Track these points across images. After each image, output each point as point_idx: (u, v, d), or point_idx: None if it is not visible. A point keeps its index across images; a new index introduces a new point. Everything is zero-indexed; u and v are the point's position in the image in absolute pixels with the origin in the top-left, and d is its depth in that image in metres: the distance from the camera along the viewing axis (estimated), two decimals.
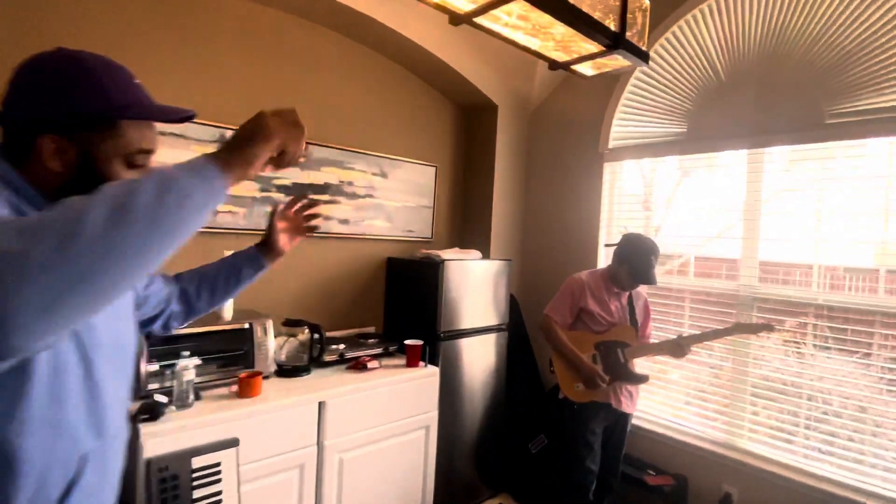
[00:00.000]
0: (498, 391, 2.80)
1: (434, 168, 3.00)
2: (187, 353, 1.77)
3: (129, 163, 0.73)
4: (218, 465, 1.65)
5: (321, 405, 1.94)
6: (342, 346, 2.37)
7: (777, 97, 2.15)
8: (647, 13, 1.28)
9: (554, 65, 1.32)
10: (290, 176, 2.42)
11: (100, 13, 1.88)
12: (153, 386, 1.75)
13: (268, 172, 0.77)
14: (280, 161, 0.76)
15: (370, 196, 2.72)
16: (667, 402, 2.55)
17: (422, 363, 2.34)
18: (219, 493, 1.64)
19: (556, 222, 3.03)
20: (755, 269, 2.24)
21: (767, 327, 2.00)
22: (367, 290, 2.77)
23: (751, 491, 2.16)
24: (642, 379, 2.14)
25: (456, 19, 1.06)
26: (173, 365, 1.74)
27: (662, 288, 2.57)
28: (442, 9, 1.03)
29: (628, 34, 1.23)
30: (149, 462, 1.52)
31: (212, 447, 1.64)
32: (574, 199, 2.92)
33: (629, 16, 1.22)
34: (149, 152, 0.76)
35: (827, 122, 2.00)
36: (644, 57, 1.27)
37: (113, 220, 0.52)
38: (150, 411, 1.61)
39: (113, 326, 0.78)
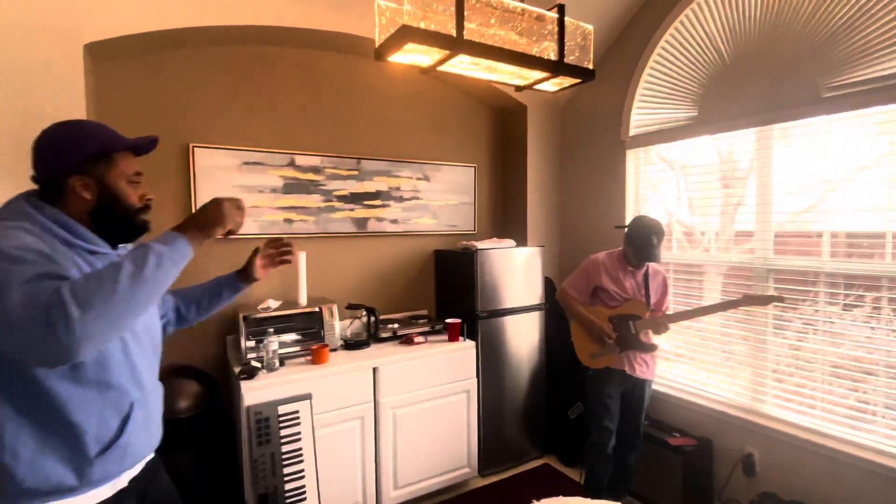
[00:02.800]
0: (540, 363, 3.11)
1: (473, 168, 3.37)
2: (272, 330, 2.32)
3: (129, 182, 1.08)
4: (297, 412, 2.18)
5: (375, 370, 2.42)
6: (396, 326, 2.84)
7: (777, 76, 2.23)
8: (591, 36, 1.56)
9: (518, 88, 1.64)
10: (347, 188, 2.93)
11: (205, 79, 2.50)
12: (251, 355, 2.33)
13: (220, 236, 1.09)
14: (228, 233, 1.10)
15: (416, 198, 3.16)
16: (695, 370, 2.71)
17: (461, 338, 2.74)
18: (298, 433, 2.17)
19: (587, 209, 3.25)
20: (769, 241, 2.34)
21: (776, 299, 2.13)
22: (419, 279, 3.22)
23: (771, 451, 2.28)
24: (650, 348, 2.35)
25: (424, 71, 1.44)
26: (263, 340, 2.30)
27: (691, 265, 2.72)
28: (412, 66, 1.42)
29: (570, 58, 1.52)
30: (248, 408, 2.09)
31: (292, 399, 2.18)
32: (601, 186, 3.13)
33: (570, 43, 1.51)
34: (139, 174, 1.11)
35: (823, 97, 2.06)
36: (588, 74, 1.55)
37: (133, 284, 0.87)
38: (248, 373, 2.19)
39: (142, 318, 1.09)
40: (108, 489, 1.06)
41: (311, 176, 2.83)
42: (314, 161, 2.83)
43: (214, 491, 2.37)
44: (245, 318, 2.37)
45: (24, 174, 1.94)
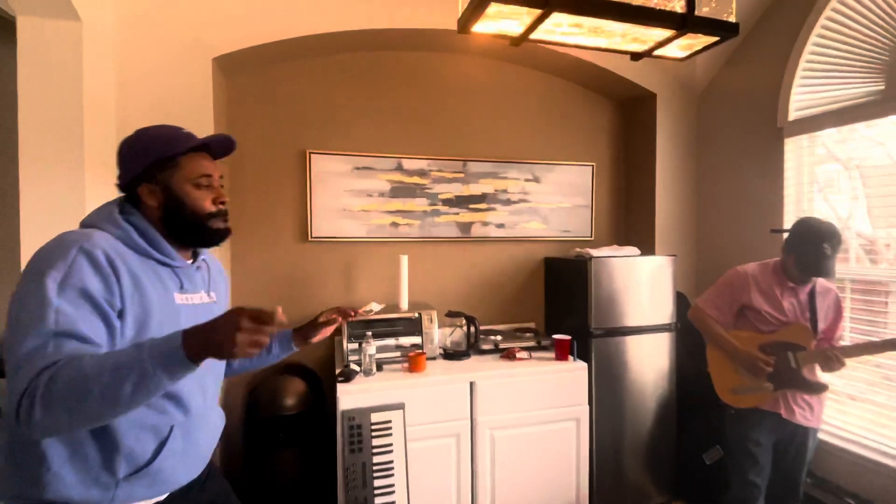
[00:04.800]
0: (668, 394, 2.66)
1: (591, 167, 3.04)
2: (370, 334, 2.28)
3: (196, 185, 1.04)
4: (389, 422, 2.09)
5: (472, 385, 2.24)
6: (499, 338, 2.63)
7: None
8: None
9: (634, 56, 1.36)
10: (452, 191, 2.82)
11: (321, 87, 2.60)
12: (352, 358, 2.31)
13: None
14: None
15: (524, 201, 2.93)
16: (880, 418, 2.06)
17: (571, 358, 2.43)
18: (390, 444, 2.07)
19: (733, 212, 2.72)
20: None
21: None
22: (526, 288, 2.98)
23: None
24: (817, 388, 1.82)
25: (514, 41, 1.24)
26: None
27: (873, 282, 2.10)
28: (500, 37, 1.23)
29: (705, 9, 1.20)
30: (342, 413, 2.04)
31: (385, 407, 2.10)
32: (751, 184, 2.59)
33: None
34: (208, 176, 1.06)
35: None
36: (729, 28, 1.21)
37: (102, 401, 0.78)
38: (345, 376, 2.16)
39: None
40: None
41: (416, 179, 2.77)
42: (420, 164, 2.77)
43: (316, 490, 2.38)
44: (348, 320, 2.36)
45: None
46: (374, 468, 2.03)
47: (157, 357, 0.79)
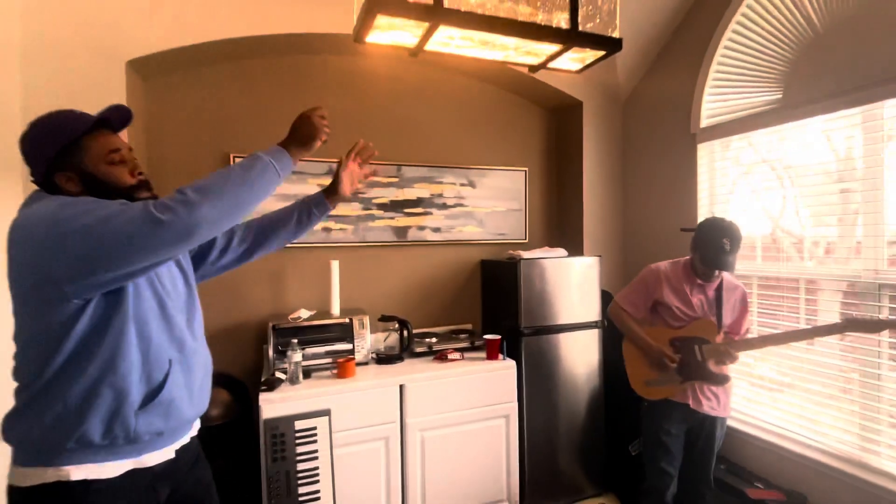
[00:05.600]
0: (597, 389, 2.76)
1: (523, 172, 3.12)
2: (295, 341, 2.25)
3: (109, 162, 1.05)
4: (314, 429, 2.08)
5: (402, 388, 2.25)
6: (434, 340, 2.66)
7: (888, 42, 1.76)
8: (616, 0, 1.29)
9: (532, 68, 1.41)
10: (387, 195, 2.83)
11: (247, 90, 2.55)
12: (279, 366, 2.27)
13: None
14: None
15: (460, 205, 2.97)
16: (788, 406, 2.21)
17: (501, 356, 2.49)
18: (315, 451, 2.06)
19: (653, 214, 2.85)
20: (881, 248, 1.84)
21: (889, 324, 1.65)
22: (463, 290, 3.02)
23: None
24: (720, 379, 1.94)
25: (411, 52, 1.27)
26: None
27: (773, 277, 2.25)
28: (397, 48, 1.26)
29: (590, 25, 1.27)
30: (264, 422, 2.01)
31: (310, 414, 2.08)
32: (669, 188, 2.73)
33: (588, 8, 1.26)
34: (117, 150, 1.07)
35: None
36: (613, 43, 1.28)
37: (239, 188, 1.01)
38: (269, 385, 2.12)
39: (176, 282, 1.19)
40: (150, 457, 1.07)
41: None
42: None
43: (241, 501, 2.33)
44: (274, 327, 2.33)
45: None
46: (299, 476, 2.02)
47: (270, 153, 1.11)
